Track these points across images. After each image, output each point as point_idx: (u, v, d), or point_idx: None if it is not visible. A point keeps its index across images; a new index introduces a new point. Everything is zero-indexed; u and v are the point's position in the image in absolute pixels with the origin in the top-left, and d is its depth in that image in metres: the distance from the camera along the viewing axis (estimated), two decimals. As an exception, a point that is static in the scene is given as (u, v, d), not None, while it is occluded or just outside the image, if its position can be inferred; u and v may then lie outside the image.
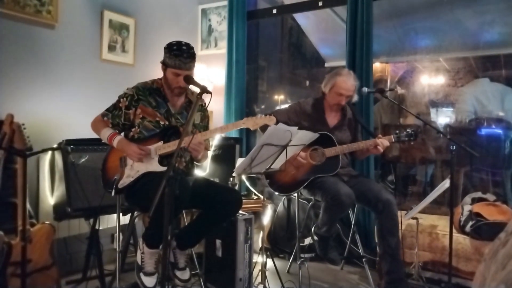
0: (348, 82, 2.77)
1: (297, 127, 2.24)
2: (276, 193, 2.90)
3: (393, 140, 2.70)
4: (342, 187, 2.58)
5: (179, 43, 2.28)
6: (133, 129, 2.38)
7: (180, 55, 2.24)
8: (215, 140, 3.45)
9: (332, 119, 2.92)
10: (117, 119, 2.38)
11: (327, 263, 3.30)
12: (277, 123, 2.81)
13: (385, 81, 4.46)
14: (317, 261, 3.39)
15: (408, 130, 2.70)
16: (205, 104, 2.51)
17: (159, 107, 2.38)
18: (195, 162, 2.53)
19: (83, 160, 2.78)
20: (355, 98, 2.90)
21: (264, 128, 2.27)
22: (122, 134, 2.41)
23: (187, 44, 2.30)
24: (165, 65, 2.32)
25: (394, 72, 4.54)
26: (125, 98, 2.37)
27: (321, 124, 2.87)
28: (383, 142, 2.65)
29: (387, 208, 2.59)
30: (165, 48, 2.30)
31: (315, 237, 2.85)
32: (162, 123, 2.36)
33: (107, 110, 2.40)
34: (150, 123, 2.35)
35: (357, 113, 3.06)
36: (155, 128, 2.35)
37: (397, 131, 2.74)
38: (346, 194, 2.52)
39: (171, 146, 2.25)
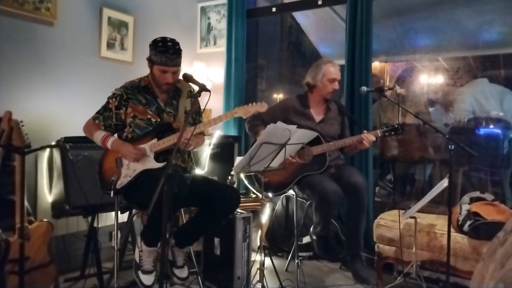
0: (335, 66, 2.89)
1: (296, 126, 2.25)
2: (270, 194, 2.91)
3: (379, 135, 2.73)
4: (328, 184, 2.60)
5: (164, 40, 2.28)
6: (125, 129, 2.38)
7: (166, 51, 2.23)
8: (214, 138, 3.45)
9: (317, 114, 2.94)
10: (109, 120, 2.37)
11: (325, 262, 3.30)
12: (262, 119, 2.83)
13: (383, 81, 4.46)
14: (315, 260, 3.39)
15: (395, 124, 2.72)
16: (193, 90, 2.50)
17: (149, 105, 2.38)
18: (191, 152, 2.53)
19: (82, 157, 2.77)
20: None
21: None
22: (116, 135, 2.41)
23: (173, 40, 2.29)
24: (151, 62, 2.31)
25: (394, 71, 4.54)
26: (114, 99, 2.36)
27: (307, 119, 2.89)
28: (368, 137, 2.68)
29: (354, 191, 2.65)
30: (150, 45, 2.29)
31: (314, 237, 2.86)
32: (153, 120, 2.36)
33: (98, 112, 2.39)
34: (142, 121, 2.34)
35: (343, 107, 3.07)
36: (147, 125, 2.34)
37: (384, 126, 2.77)
38: (333, 192, 2.55)
39: (166, 142, 2.25)
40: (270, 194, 2.93)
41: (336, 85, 2.86)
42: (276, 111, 2.94)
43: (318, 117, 2.92)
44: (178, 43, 2.30)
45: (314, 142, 2.76)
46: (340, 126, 2.96)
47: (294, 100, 2.96)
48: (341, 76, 2.95)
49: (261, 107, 2.19)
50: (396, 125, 2.70)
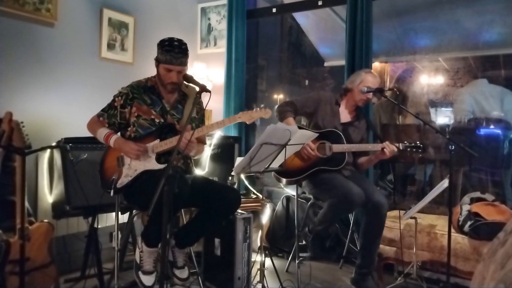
0: (375, 78, 2.93)
1: (296, 126, 2.26)
2: (283, 180, 2.91)
3: (400, 148, 2.75)
4: (353, 186, 2.60)
5: (171, 39, 2.29)
6: (129, 129, 2.38)
7: (171, 50, 2.25)
8: (214, 139, 3.45)
9: (345, 116, 2.98)
10: (113, 118, 2.38)
11: (325, 262, 3.30)
12: (295, 109, 2.84)
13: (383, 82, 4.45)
14: (315, 260, 3.39)
15: (418, 142, 2.73)
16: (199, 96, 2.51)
17: (154, 105, 2.38)
18: (192, 158, 2.54)
19: (82, 158, 2.77)
20: (374, 99, 2.94)
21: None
22: (119, 133, 2.41)
23: (179, 40, 2.30)
24: (158, 61, 2.33)
25: (394, 72, 4.54)
26: (120, 97, 2.37)
27: (333, 116, 2.93)
28: (389, 146, 2.70)
29: (376, 210, 2.63)
30: (158, 44, 2.32)
31: (308, 236, 2.86)
32: (157, 120, 2.36)
33: (103, 110, 2.40)
34: (145, 121, 2.35)
35: (371, 123, 3.13)
36: (151, 126, 2.34)
37: (406, 142, 2.77)
38: (358, 194, 2.55)
39: (168, 143, 2.25)
40: (284, 181, 2.93)
41: (370, 95, 2.89)
42: (309, 100, 2.99)
43: (344, 119, 2.96)
44: (185, 44, 2.31)
45: (337, 142, 2.80)
46: (361, 137, 2.98)
47: (329, 95, 3.03)
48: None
49: (265, 113, 2.20)
50: (419, 144, 2.72)
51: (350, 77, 2.99)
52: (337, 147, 2.77)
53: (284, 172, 2.85)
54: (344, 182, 2.65)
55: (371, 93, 2.89)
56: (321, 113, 2.93)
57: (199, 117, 2.55)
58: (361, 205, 2.64)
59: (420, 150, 2.72)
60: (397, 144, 2.75)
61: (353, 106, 2.99)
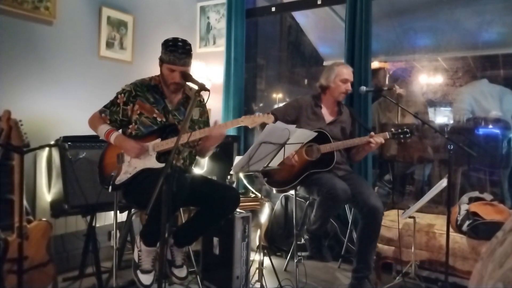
0: (348, 68, 2.93)
1: (295, 126, 2.25)
2: (274, 189, 2.90)
3: (388, 137, 2.72)
4: (338, 182, 2.60)
5: (175, 40, 2.30)
6: (130, 126, 2.38)
7: (175, 50, 2.25)
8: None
9: (328, 115, 2.96)
10: (115, 115, 2.38)
11: (324, 261, 3.30)
12: (276, 119, 2.84)
13: (384, 75, 4.43)
14: (314, 259, 3.39)
15: (404, 127, 2.71)
16: (203, 99, 2.52)
17: (156, 104, 2.38)
18: (197, 157, 2.54)
19: (81, 157, 2.77)
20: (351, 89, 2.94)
21: (263, 125, 2.30)
22: (120, 130, 2.41)
23: (184, 41, 2.31)
24: (161, 61, 2.34)
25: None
26: (123, 94, 2.37)
27: (318, 119, 2.91)
28: (376, 139, 2.68)
29: (372, 215, 2.61)
30: (162, 44, 2.32)
31: (306, 236, 2.86)
32: (159, 119, 2.36)
33: (105, 106, 2.40)
34: (147, 119, 2.35)
35: (354, 112, 3.09)
36: (152, 124, 2.35)
37: (392, 129, 2.76)
38: (342, 189, 2.54)
39: (169, 143, 2.25)
40: (274, 190, 2.92)
41: (348, 86, 2.88)
42: (288, 108, 2.97)
43: (328, 118, 2.94)
44: (189, 44, 2.32)
45: (323, 141, 2.77)
46: (350, 131, 2.98)
47: (308, 99, 2.99)
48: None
49: (267, 118, 2.21)
50: (406, 129, 2.69)
51: (323, 74, 2.96)
52: (324, 147, 2.76)
53: (275, 181, 2.85)
54: (330, 179, 2.64)
55: (349, 85, 2.87)
56: (304, 118, 2.90)
57: (204, 120, 2.56)
58: (348, 201, 2.63)
59: (408, 135, 2.69)
60: (384, 134, 2.71)
61: (334, 103, 2.97)
